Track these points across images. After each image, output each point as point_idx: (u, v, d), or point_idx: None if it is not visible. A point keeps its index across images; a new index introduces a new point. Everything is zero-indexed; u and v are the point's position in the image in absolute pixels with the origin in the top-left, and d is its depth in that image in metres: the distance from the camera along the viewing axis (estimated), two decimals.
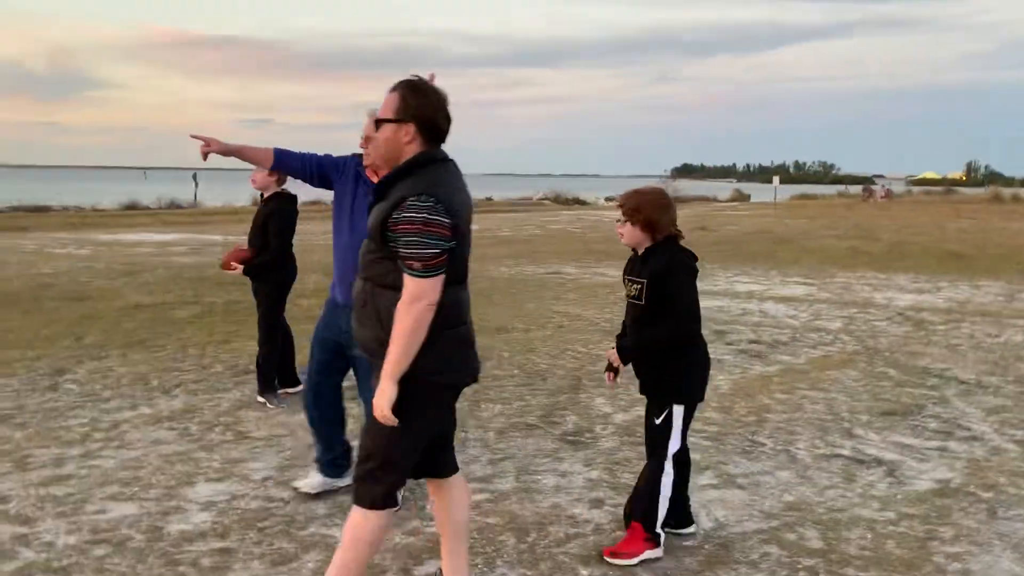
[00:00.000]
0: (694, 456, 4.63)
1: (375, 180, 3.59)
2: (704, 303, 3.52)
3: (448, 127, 2.66)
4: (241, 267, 5.45)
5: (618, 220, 3.41)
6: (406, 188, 2.54)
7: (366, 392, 3.10)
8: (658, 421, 3.41)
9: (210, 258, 13.89)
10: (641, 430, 5.17)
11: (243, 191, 32.19)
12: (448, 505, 2.93)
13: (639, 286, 3.36)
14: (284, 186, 5.52)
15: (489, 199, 40.25)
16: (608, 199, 46.82)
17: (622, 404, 5.63)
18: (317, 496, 4.00)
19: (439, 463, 2.90)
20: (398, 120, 2.62)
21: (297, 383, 5.81)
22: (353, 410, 4.63)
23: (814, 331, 8.31)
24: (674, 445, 3.42)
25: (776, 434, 5.06)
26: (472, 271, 2.78)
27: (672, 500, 3.44)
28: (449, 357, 2.62)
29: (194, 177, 40.02)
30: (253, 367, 5.85)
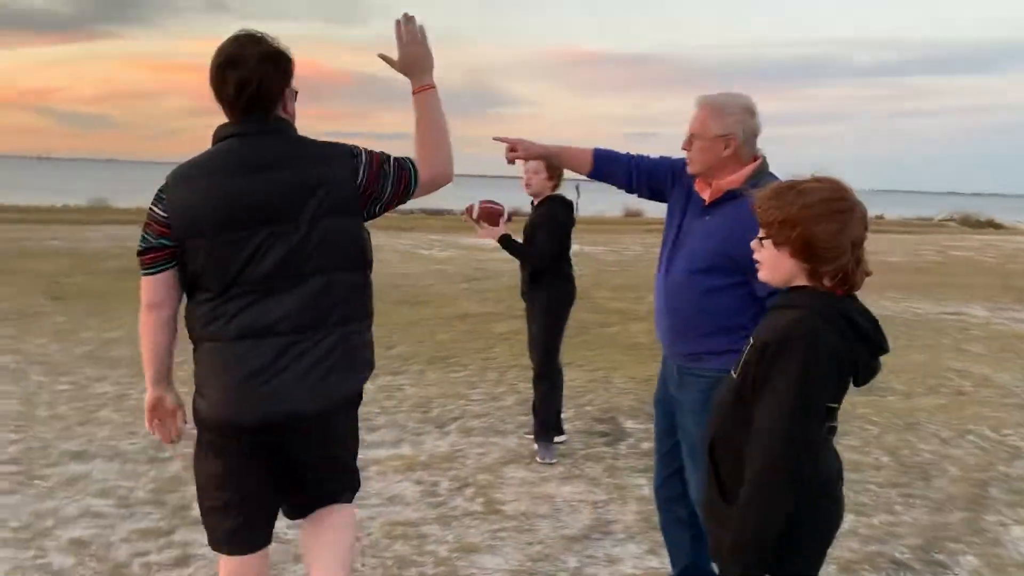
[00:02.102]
0: None
1: (705, 195, 2.68)
2: None
3: (233, 90, 2.07)
4: (493, 229, 4.40)
5: (759, 238, 1.87)
6: None
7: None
8: None
9: None
10: None
11: (616, 202, 32.00)
12: (318, 529, 2.34)
13: (743, 357, 1.87)
14: (559, 191, 4.57)
15: (880, 217, 35.86)
16: None
17: None
18: None
19: (295, 507, 2.37)
20: None
21: (560, 431, 4.76)
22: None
23: None
24: None
25: None
26: None
27: None
28: (204, 378, 2.15)
29: (576, 188, 41.25)
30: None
